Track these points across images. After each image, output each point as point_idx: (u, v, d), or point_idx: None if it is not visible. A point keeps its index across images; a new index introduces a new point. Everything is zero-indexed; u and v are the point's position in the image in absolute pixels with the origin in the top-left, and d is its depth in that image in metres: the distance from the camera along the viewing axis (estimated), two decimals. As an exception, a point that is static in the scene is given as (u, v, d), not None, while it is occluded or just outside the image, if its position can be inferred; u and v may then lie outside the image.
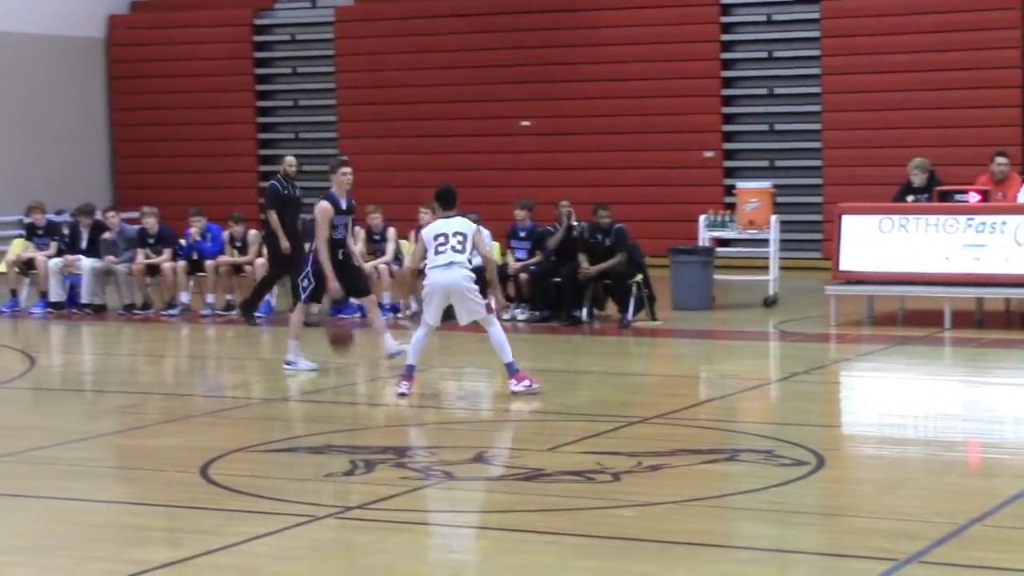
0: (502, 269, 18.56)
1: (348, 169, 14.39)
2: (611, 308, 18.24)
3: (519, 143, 26.82)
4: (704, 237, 20.15)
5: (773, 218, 19.68)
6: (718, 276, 19.88)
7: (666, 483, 9.49)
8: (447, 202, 12.86)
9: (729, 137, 26.19)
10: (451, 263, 12.53)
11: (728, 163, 26.05)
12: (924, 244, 17.15)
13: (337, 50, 28.31)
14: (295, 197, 18.51)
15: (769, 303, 19.57)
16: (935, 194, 17.85)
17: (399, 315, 18.82)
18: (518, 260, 18.61)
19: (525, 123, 26.74)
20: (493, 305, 12.90)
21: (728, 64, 26.13)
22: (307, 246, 15.76)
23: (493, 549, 8.05)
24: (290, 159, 18.92)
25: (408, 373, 12.77)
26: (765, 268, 19.86)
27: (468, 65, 27.03)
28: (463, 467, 9.92)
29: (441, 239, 12.58)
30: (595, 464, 9.92)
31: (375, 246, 19.49)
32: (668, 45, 25.98)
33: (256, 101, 29.15)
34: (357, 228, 19.66)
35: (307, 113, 28.93)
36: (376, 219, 19.50)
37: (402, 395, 12.69)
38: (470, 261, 12.81)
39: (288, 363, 14.45)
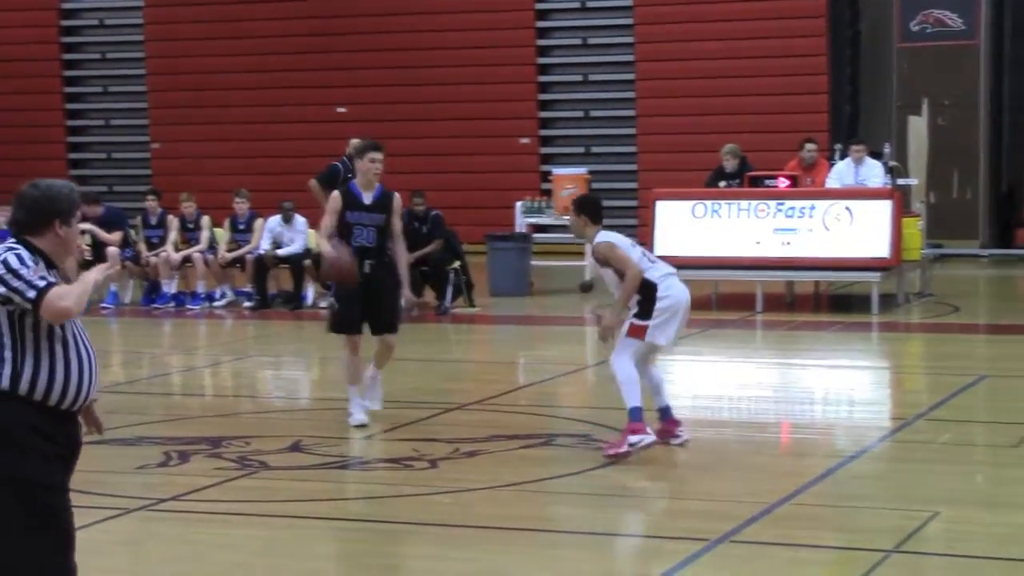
0: (318, 258, 18.41)
1: (378, 155, 10.98)
2: (429, 295, 18.21)
3: (334, 130, 26.61)
4: (521, 223, 20.26)
5: (589, 204, 19.80)
6: (535, 262, 20.00)
7: (483, 469, 9.49)
8: (599, 214, 11.01)
9: (545, 124, 26.33)
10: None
11: (544, 149, 26.20)
12: (736, 229, 17.41)
13: (147, 35, 27.83)
14: None
15: (585, 288, 19.73)
16: (746, 179, 18.15)
17: (214, 303, 18.60)
18: (335, 247, 18.42)
19: (340, 110, 26.58)
20: None
21: (543, 51, 26.26)
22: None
23: (309, 538, 7.98)
24: (356, 141, 16.43)
25: (668, 415, 10.23)
26: (581, 254, 19.98)
27: (281, 51, 26.77)
28: (279, 456, 9.82)
29: (640, 249, 10.63)
30: (412, 451, 9.89)
31: (189, 235, 19.22)
32: (483, 32, 26.02)
33: (64, 87, 28.55)
34: (170, 217, 19.36)
35: (117, 99, 28.40)
36: (189, 207, 19.22)
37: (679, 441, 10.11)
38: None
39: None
